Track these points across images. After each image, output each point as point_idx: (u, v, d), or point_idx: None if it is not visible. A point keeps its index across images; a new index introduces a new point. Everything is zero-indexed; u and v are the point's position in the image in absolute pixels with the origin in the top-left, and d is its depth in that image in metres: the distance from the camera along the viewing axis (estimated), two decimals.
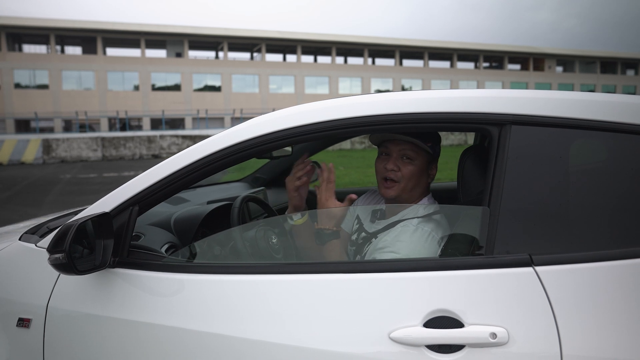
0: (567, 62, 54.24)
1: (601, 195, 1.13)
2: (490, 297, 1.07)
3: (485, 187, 1.18)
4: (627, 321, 1.02)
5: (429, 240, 1.39)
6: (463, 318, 1.06)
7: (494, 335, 1.03)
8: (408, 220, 1.46)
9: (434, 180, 1.63)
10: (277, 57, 46.51)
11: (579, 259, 1.07)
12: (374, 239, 1.50)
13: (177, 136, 20.17)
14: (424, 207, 1.51)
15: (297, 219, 1.62)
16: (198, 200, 2.36)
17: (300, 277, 1.19)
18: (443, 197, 1.68)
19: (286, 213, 1.72)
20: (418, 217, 1.46)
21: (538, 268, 1.07)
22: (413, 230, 1.42)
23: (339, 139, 3.70)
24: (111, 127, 37.51)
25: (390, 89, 46.51)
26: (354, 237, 1.64)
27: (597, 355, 1.01)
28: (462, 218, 1.43)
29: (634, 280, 1.05)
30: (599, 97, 1.18)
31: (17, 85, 36.96)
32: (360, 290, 1.13)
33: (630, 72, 57.51)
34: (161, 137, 19.90)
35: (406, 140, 1.47)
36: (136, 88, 39.72)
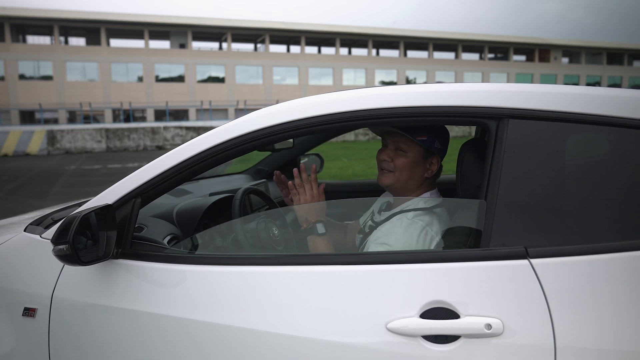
0: (573, 53, 53.75)
1: (597, 188, 1.14)
2: (486, 289, 1.08)
3: (482, 180, 1.19)
4: (621, 313, 1.04)
5: (422, 234, 1.41)
6: (459, 309, 1.07)
7: (489, 326, 1.05)
8: (404, 213, 1.48)
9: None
10: (281, 48, 46.32)
11: (574, 252, 1.08)
12: (375, 230, 1.53)
13: (180, 127, 20.17)
14: (424, 200, 1.52)
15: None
16: (200, 192, 2.38)
17: (300, 268, 1.21)
18: (444, 189, 1.69)
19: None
20: (415, 210, 1.47)
21: (533, 260, 1.08)
22: (408, 224, 1.43)
23: (341, 132, 3.71)
24: (115, 119, 37.54)
25: (395, 80, 46.29)
26: (362, 226, 1.68)
27: (591, 347, 1.03)
28: (459, 211, 1.45)
29: (628, 273, 1.06)
30: (596, 91, 1.19)
31: (22, 77, 36.98)
32: (358, 282, 1.15)
33: (637, 64, 56.93)
34: (165, 128, 19.91)
35: (398, 132, 1.49)
36: (140, 79, 39.70)
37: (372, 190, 2.92)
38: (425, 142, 1.50)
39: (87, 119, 34.22)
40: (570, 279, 1.06)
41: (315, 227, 1.52)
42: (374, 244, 1.45)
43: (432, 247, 1.40)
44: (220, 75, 41.76)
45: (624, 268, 1.06)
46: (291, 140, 2.53)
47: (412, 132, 1.48)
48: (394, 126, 1.49)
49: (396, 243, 1.41)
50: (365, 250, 1.48)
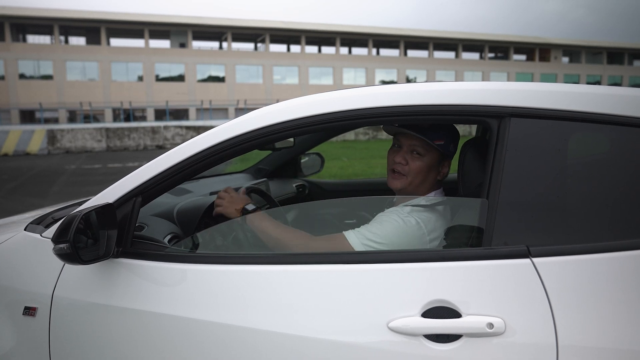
0: (573, 52, 53.75)
1: (598, 187, 1.13)
2: (487, 288, 1.08)
3: (484, 179, 1.19)
4: (622, 312, 1.03)
5: (411, 228, 1.39)
6: (461, 308, 1.07)
7: (490, 325, 1.04)
8: (402, 207, 1.47)
9: None
10: (281, 48, 46.34)
11: (576, 251, 1.08)
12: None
13: (181, 127, 20.18)
14: (426, 199, 1.51)
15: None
16: (201, 191, 2.38)
17: (301, 267, 1.21)
18: (446, 188, 1.69)
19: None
20: (413, 206, 1.46)
21: (535, 259, 1.08)
22: (398, 217, 1.42)
23: (341, 131, 3.71)
24: (115, 118, 37.55)
25: (395, 80, 46.27)
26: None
27: (593, 346, 1.02)
28: (460, 210, 1.44)
29: (630, 272, 1.06)
30: (597, 89, 1.18)
31: (22, 76, 36.99)
32: (359, 281, 1.15)
33: (638, 63, 56.93)
34: (165, 127, 19.91)
35: (417, 135, 1.47)
36: (140, 79, 39.71)
37: (372, 190, 2.92)
38: (442, 147, 1.49)
39: (87, 118, 34.22)
40: (572, 278, 1.06)
41: (245, 209, 1.58)
42: (361, 228, 1.42)
43: (424, 243, 1.40)
44: (221, 74, 41.77)
45: (626, 267, 1.06)
46: (292, 139, 2.53)
47: (429, 136, 1.46)
48: (408, 127, 1.48)
49: (382, 232, 1.39)
50: (353, 232, 1.44)
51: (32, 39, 40.85)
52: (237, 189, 1.98)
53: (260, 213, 1.57)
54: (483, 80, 45.38)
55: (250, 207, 1.61)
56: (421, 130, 1.47)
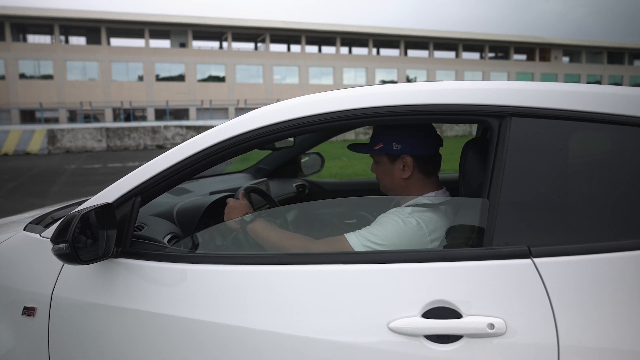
0: (573, 52, 53.76)
1: (600, 187, 1.13)
2: (488, 289, 1.07)
3: (485, 179, 1.18)
4: (623, 313, 1.03)
5: (412, 229, 1.39)
6: (461, 309, 1.07)
7: (491, 325, 1.04)
8: (404, 208, 1.47)
9: (441, 172, 1.61)
10: (281, 48, 46.34)
11: (577, 251, 1.07)
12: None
13: (181, 127, 20.19)
14: (428, 199, 1.51)
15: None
16: (200, 191, 2.37)
17: (301, 267, 1.20)
18: (446, 188, 1.69)
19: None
20: (414, 206, 1.46)
21: (536, 260, 1.07)
22: (399, 218, 1.42)
23: (341, 131, 3.70)
24: (115, 118, 37.57)
25: (395, 79, 46.25)
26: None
27: (594, 346, 1.02)
28: (461, 210, 1.44)
29: (631, 272, 1.05)
30: (599, 89, 1.18)
31: (22, 76, 36.99)
32: (360, 281, 1.14)
33: (638, 63, 56.93)
34: (165, 127, 19.91)
35: (354, 150, 1.62)
36: (140, 78, 39.71)
37: (372, 190, 2.91)
38: (383, 149, 1.53)
39: (87, 118, 34.24)
40: (573, 278, 1.05)
41: (242, 220, 1.56)
42: (362, 230, 1.42)
43: (425, 244, 1.39)
44: (221, 74, 41.77)
45: (627, 267, 1.05)
46: (292, 139, 2.53)
47: (370, 143, 1.55)
48: (351, 147, 1.61)
49: (382, 234, 1.39)
50: (354, 234, 1.44)
51: (32, 38, 40.86)
52: (237, 189, 1.98)
53: (259, 221, 1.56)
54: (483, 80, 45.33)
55: (247, 217, 1.58)
56: (371, 139, 1.57)
